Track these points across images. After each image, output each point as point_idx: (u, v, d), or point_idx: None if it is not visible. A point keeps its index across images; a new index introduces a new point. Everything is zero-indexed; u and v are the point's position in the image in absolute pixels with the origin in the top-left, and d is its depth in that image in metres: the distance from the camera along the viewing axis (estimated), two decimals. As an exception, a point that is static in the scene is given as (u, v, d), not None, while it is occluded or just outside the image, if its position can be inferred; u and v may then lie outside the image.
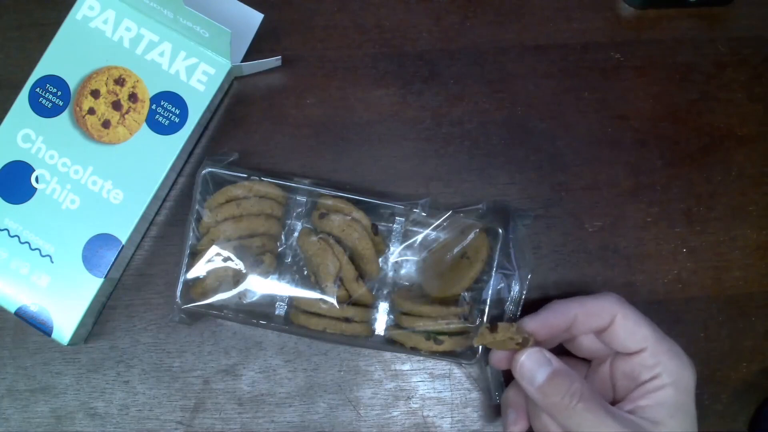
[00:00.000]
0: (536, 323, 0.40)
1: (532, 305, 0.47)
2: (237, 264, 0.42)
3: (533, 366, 0.38)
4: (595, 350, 0.42)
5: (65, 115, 0.44)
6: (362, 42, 0.49)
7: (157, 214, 0.46)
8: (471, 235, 0.44)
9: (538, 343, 0.40)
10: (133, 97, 0.45)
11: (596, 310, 0.40)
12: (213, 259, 0.42)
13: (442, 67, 0.49)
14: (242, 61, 0.47)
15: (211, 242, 0.42)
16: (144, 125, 0.44)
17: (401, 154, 0.48)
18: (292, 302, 0.44)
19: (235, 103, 0.48)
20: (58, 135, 0.44)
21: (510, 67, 0.49)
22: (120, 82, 0.45)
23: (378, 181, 0.47)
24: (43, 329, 0.43)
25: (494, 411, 0.46)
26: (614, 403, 0.40)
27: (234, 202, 0.43)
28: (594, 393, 0.37)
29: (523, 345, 0.39)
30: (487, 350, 0.44)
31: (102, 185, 0.44)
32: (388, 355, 0.46)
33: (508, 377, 0.46)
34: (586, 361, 0.43)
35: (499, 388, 0.44)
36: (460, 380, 0.46)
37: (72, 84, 0.44)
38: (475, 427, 0.46)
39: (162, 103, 0.44)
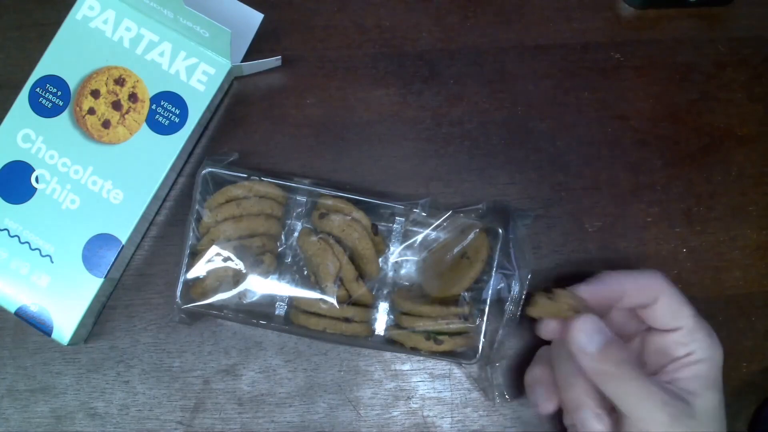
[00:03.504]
0: (589, 293, 0.40)
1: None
2: (237, 264, 0.42)
3: (589, 333, 0.38)
4: (625, 327, 0.42)
5: (65, 115, 0.44)
6: (362, 42, 0.49)
7: (157, 214, 0.47)
8: (471, 235, 0.44)
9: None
10: (133, 97, 0.45)
11: (644, 287, 0.40)
12: (213, 259, 0.42)
13: (442, 67, 0.49)
14: (242, 61, 0.47)
15: (211, 242, 0.42)
16: (144, 125, 0.44)
17: (401, 154, 0.48)
18: (292, 302, 0.44)
19: (235, 103, 0.48)
20: (58, 135, 0.44)
21: (510, 67, 0.49)
22: (120, 82, 0.45)
23: (378, 181, 0.47)
24: (43, 329, 0.43)
25: (495, 411, 0.46)
26: None
27: (234, 202, 0.43)
28: (640, 364, 0.38)
29: (576, 312, 0.39)
30: (487, 351, 0.44)
31: (102, 185, 0.44)
32: (388, 355, 0.46)
33: (513, 376, 0.46)
34: None
35: (499, 388, 0.45)
36: (460, 380, 0.46)
37: (72, 84, 0.44)
38: (475, 427, 0.46)
39: (162, 103, 0.44)
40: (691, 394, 0.38)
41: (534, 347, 0.47)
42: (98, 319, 0.46)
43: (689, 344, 0.39)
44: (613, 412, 0.39)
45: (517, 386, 0.46)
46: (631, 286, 0.40)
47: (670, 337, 0.40)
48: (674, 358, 0.39)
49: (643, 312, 0.41)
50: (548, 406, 0.42)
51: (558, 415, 0.43)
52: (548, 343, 0.43)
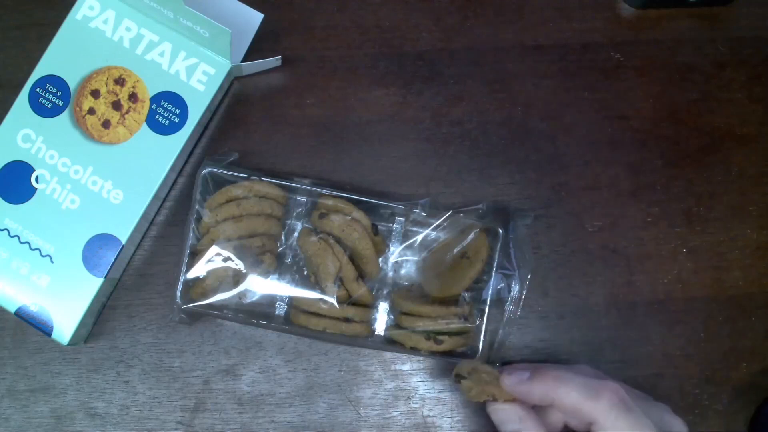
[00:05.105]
0: (513, 388, 0.39)
1: (533, 305, 0.47)
2: (237, 264, 0.42)
3: (503, 418, 0.39)
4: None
5: (65, 115, 0.44)
6: (362, 42, 0.49)
7: (157, 214, 0.47)
8: (471, 235, 0.44)
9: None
10: (133, 97, 0.45)
11: (573, 410, 0.37)
12: (213, 259, 0.42)
13: (442, 67, 0.49)
14: (242, 61, 0.47)
15: (211, 242, 0.42)
16: (144, 125, 0.44)
17: (401, 154, 0.48)
18: (292, 302, 0.44)
19: (235, 103, 0.48)
20: (58, 135, 0.44)
21: (510, 67, 0.49)
22: (120, 82, 0.45)
23: (378, 181, 0.47)
24: (43, 329, 0.43)
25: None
26: None
27: (234, 202, 0.43)
28: None
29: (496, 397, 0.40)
30: (487, 351, 0.44)
31: (102, 185, 0.44)
32: (388, 355, 0.46)
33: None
34: None
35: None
36: (460, 380, 0.46)
37: (72, 84, 0.44)
38: (475, 427, 0.46)
39: (162, 103, 0.44)
40: None
41: (534, 348, 0.47)
42: (98, 319, 0.46)
43: None
44: None
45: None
46: (561, 402, 0.37)
47: None
48: None
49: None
50: None
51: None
52: None
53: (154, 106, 0.44)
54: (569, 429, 0.39)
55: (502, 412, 0.39)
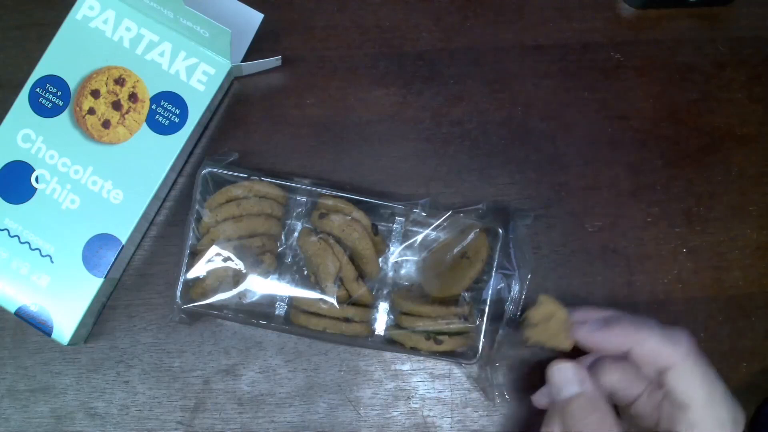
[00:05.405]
0: (584, 335, 0.39)
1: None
2: (237, 264, 0.42)
3: (565, 379, 0.38)
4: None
5: (65, 115, 0.44)
6: (362, 42, 0.49)
7: (157, 214, 0.47)
8: (471, 235, 0.44)
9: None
10: (133, 97, 0.45)
11: (651, 354, 0.37)
12: (213, 259, 0.42)
13: (442, 67, 0.49)
14: (242, 61, 0.47)
15: (211, 242, 0.42)
16: (144, 125, 0.44)
17: (401, 154, 0.48)
18: (292, 302, 0.44)
19: (235, 103, 0.48)
20: (58, 135, 0.44)
21: (510, 67, 0.49)
22: (120, 82, 0.45)
23: (378, 181, 0.47)
24: (43, 329, 0.43)
25: (495, 411, 0.46)
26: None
27: (234, 202, 0.43)
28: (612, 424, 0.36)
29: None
30: (487, 351, 0.44)
31: (102, 185, 0.44)
32: (388, 355, 0.46)
33: (513, 376, 0.46)
34: None
35: (499, 388, 0.44)
36: (460, 380, 0.46)
37: (72, 84, 0.44)
38: (475, 427, 0.46)
39: (162, 103, 0.44)
40: None
41: (534, 348, 0.47)
42: (98, 319, 0.46)
43: (694, 426, 0.36)
44: None
45: (517, 386, 0.46)
46: (637, 348, 0.37)
47: (677, 408, 0.37)
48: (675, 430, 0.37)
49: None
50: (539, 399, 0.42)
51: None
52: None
53: (154, 106, 0.44)
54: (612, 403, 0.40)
55: (564, 372, 0.38)
